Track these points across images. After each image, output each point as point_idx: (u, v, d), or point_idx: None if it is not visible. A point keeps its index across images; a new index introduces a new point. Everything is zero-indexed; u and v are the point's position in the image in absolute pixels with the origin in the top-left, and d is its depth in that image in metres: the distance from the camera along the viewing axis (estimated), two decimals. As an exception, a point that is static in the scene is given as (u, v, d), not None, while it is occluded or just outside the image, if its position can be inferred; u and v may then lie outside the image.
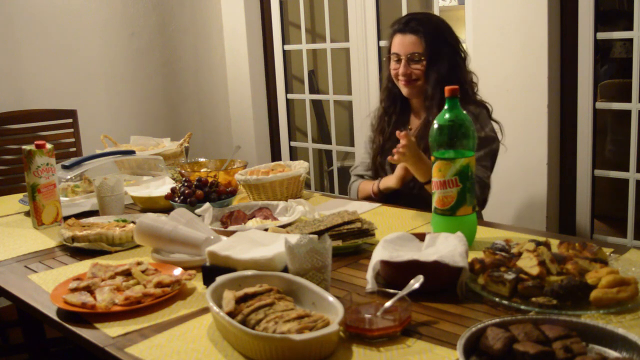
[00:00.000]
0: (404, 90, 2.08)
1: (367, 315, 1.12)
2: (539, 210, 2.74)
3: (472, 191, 1.52)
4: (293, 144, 3.98)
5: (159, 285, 1.33)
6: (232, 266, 1.31)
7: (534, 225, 2.64)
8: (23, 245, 1.78)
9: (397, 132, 1.80)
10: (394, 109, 2.16)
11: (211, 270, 1.34)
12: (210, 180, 1.95)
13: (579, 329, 1.01)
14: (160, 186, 2.23)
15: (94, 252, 1.66)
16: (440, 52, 2.01)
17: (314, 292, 1.18)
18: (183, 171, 2.24)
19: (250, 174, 2.10)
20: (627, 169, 2.62)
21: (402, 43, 2.03)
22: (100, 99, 3.70)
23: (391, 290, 1.19)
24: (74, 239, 1.69)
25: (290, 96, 3.92)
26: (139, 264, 1.43)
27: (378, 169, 2.16)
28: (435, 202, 1.54)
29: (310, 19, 4.32)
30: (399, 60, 2.04)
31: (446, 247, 1.32)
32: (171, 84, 4.01)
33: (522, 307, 1.15)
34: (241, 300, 1.14)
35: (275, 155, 4.04)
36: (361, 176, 2.25)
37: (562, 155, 2.76)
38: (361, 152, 2.32)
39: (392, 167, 2.08)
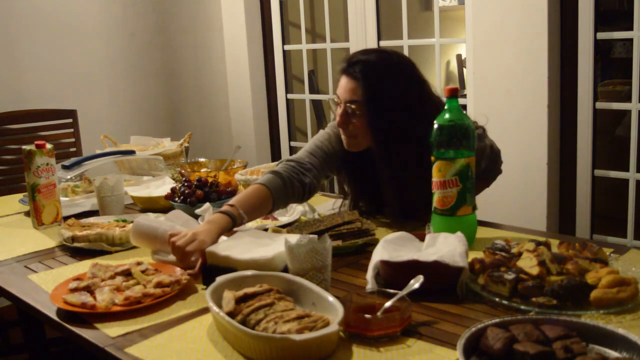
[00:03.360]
0: (344, 143, 1.75)
1: (367, 315, 1.11)
2: (539, 210, 2.74)
3: (472, 191, 1.52)
4: (293, 144, 3.98)
5: (159, 285, 1.33)
6: (232, 266, 1.32)
7: (534, 225, 2.64)
8: (23, 245, 1.78)
9: None
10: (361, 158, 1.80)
11: (211, 270, 1.34)
12: (210, 180, 1.95)
13: (579, 329, 1.01)
14: (160, 186, 2.23)
15: (94, 252, 1.66)
16: (380, 104, 1.65)
17: (314, 292, 1.18)
18: (183, 171, 2.24)
19: (250, 174, 2.10)
20: (627, 169, 2.62)
21: (342, 86, 1.71)
22: (100, 99, 3.70)
23: (391, 290, 1.19)
24: (74, 239, 1.69)
25: (290, 96, 3.92)
26: (139, 264, 1.43)
27: (363, 210, 1.87)
28: (435, 202, 1.54)
29: (310, 19, 4.32)
30: (339, 106, 1.72)
31: (446, 247, 1.32)
32: (171, 84, 4.01)
33: (522, 307, 1.15)
34: (241, 300, 1.14)
35: (275, 155, 4.04)
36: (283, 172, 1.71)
37: (562, 155, 2.76)
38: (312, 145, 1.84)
39: (376, 203, 1.87)
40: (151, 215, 1.79)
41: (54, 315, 1.29)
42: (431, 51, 3.37)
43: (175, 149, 2.64)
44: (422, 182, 1.61)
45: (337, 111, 1.73)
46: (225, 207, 1.56)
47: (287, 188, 1.66)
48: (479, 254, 1.36)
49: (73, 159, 2.24)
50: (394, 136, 1.69)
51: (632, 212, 2.62)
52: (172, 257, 1.52)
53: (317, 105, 4.27)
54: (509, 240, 1.41)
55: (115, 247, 1.68)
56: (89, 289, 1.34)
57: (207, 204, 1.81)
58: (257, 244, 1.41)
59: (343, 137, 1.76)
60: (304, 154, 1.79)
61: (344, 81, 1.73)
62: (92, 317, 1.25)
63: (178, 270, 1.43)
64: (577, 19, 2.59)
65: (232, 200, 1.58)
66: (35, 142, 1.90)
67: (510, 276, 1.20)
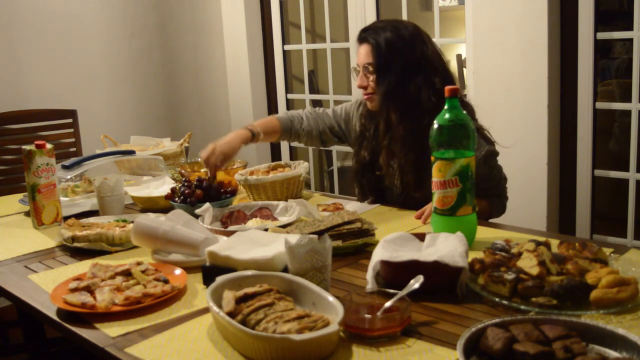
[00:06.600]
0: (368, 104, 1.98)
1: (367, 315, 1.11)
2: (539, 210, 2.74)
3: (472, 191, 1.52)
4: (293, 144, 3.98)
5: (159, 285, 1.33)
6: (232, 266, 1.31)
7: (534, 225, 2.64)
8: (23, 245, 1.78)
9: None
10: (373, 123, 2.02)
11: (211, 270, 1.34)
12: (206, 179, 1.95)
13: (579, 329, 1.01)
14: (160, 186, 2.23)
15: (94, 252, 1.66)
16: (390, 64, 1.86)
17: (314, 292, 1.18)
18: (183, 171, 2.24)
19: (250, 174, 2.10)
20: (627, 169, 2.62)
21: (359, 53, 1.94)
22: (100, 99, 3.70)
23: (391, 290, 1.19)
24: (74, 239, 1.69)
25: (290, 96, 3.92)
26: (139, 264, 1.43)
27: (368, 185, 2.07)
28: (435, 202, 1.54)
29: (310, 19, 4.32)
30: (358, 72, 1.95)
31: (446, 247, 1.32)
32: (171, 84, 4.01)
33: (522, 307, 1.15)
34: (241, 300, 1.14)
35: (275, 155, 4.04)
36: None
37: (562, 155, 2.76)
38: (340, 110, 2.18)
39: (379, 187, 2.05)
40: (151, 215, 1.79)
41: (54, 315, 1.29)
42: (431, 51, 3.36)
43: (175, 149, 2.64)
44: (419, 156, 1.83)
45: (357, 76, 1.95)
46: (245, 126, 2.04)
47: (293, 127, 2.14)
48: (479, 254, 1.36)
49: (73, 159, 2.24)
50: (396, 96, 1.88)
51: (632, 212, 2.62)
52: (172, 257, 1.53)
53: (317, 106, 4.26)
54: (509, 240, 1.41)
55: (115, 247, 1.68)
56: (89, 289, 1.33)
57: (207, 204, 1.81)
58: (257, 244, 1.41)
59: (364, 98, 1.97)
60: (328, 111, 2.18)
61: (359, 49, 1.94)
62: (92, 317, 1.25)
63: (178, 270, 1.43)
64: (577, 19, 2.59)
65: (251, 123, 2.07)
66: (35, 142, 1.90)
67: (510, 276, 1.20)
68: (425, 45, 1.90)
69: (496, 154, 1.92)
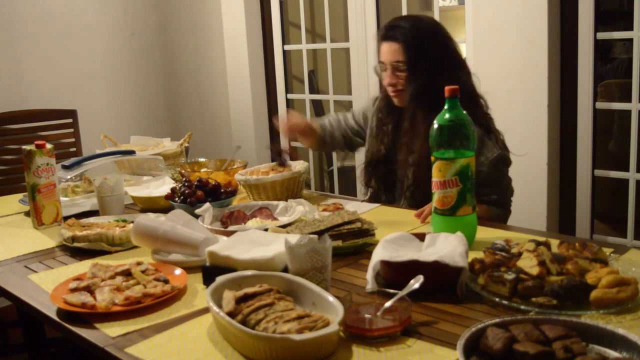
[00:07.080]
0: (394, 101, 2.02)
1: (367, 315, 1.11)
2: (539, 210, 2.74)
3: (472, 191, 1.52)
4: (293, 144, 3.98)
5: (159, 285, 1.33)
6: (232, 266, 1.31)
7: (534, 225, 2.64)
8: (23, 245, 1.78)
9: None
10: (391, 118, 2.08)
11: (211, 270, 1.34)
12: (212, 182, 1.95)
13: (579, 329, 1.01)
14: (160, 186, 2.23)
15: (94, 252, 1.66)
16: (421, 61, 1.91)
17: (314, 292, 1.18)
18: (183, 171, 2.24)
19: (250, 174, 2.10)
20: (627, 169, 2.62)
21: (386, 51, 1.96)
22: (100, 99, 3.70)
23: (391, 290, 1.19)
24: (74, 239, 1.69)
25: (290, 96, 3.92)
26: (139, 264, 1.43)
27: (378, 178, 2.11)
28: (435, 202, 1.54)
29: (310, 19, 4.32)
30: (386, 69, 1.97)
31: (446, 247, 1.32)
32: (171, 84, 4.01)
33: (522, 307, 1.15)
34: (241, 300, 1.14)
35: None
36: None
37: (562, 155, 2.76)
38: (358, 107, 2.30)
39: (389, 179, 2.08)
40: (151, 215, 1.79)
41: (54, 315, 1.29)
42: (431, 51, 3.36)
43: (175, 149, 2.64)
44: None
45: (385, 74, 1.98)
46: None
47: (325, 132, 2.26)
48: (479, 254, 1.36)
49: (73, 159, 2.24)
50: (425, 92, 1.90)
51: (632, 212, 2.62)
52: (172, 257, 1.53)
53: (317, 105, 4.27)
54: (509, 240, 1.41)
55: (115, 247, 1.68)
56: (89, 289, 1.33)
57: (207, 204, 1.81)
58: (257, 244, 1.41)
59: (392, 94, 2.00)
60: (348, 114, 2.29)
61: (386, 46, 1.96)
62: (92, 317, 1.25)
63: (178, 270, 1.43)
64: (577, 19, 2.59)
65: None
66: (35, 142, 1.90)
67: (510, 276, 1.20)
68: (447, 40, 1.96)
69: (507, 161, 1.92)
